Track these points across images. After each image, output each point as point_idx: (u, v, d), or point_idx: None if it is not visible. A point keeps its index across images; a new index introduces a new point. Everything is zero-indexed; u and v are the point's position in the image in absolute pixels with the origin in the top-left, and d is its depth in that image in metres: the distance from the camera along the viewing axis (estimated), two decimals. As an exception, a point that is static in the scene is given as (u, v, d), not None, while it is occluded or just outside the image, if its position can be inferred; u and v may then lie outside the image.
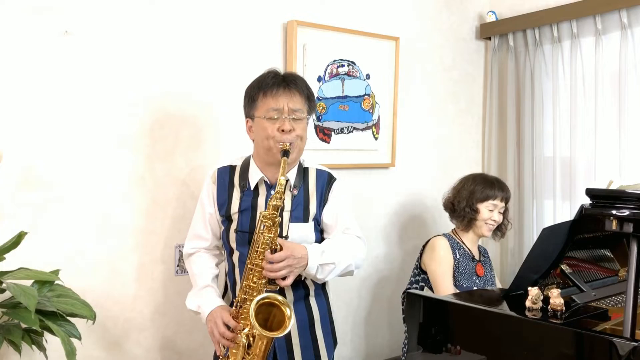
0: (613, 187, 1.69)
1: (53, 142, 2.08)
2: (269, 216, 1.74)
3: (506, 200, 2.56)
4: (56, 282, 1.89)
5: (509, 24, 3.15)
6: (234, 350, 1.78)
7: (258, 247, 1.76)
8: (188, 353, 2.39)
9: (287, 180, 1.89)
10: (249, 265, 1.78)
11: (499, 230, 2.59)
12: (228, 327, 1.78)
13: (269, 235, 1.75)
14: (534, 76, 3.07)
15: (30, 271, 1.83)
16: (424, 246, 2.57)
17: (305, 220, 1.90)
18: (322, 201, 1.95)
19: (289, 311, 1.71)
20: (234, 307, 1.81)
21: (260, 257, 1.75)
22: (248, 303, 1.74)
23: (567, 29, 2.92)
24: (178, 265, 2.34)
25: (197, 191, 2.28)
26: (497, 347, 1.65)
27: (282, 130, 1.82)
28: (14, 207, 2.01)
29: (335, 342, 2.03)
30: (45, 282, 1.85)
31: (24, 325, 1.79)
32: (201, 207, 2.00)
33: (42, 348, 1.84)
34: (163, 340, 2.34)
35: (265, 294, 1.72)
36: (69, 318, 1.82)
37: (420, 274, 2.54)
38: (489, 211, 2.50)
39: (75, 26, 2.10)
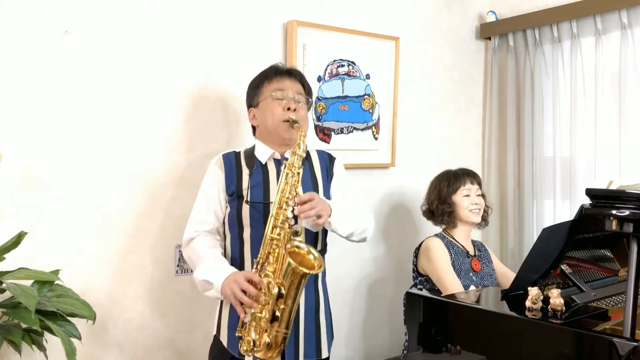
0: (613, 187, 1.69)
1: (53, 142, 2.08)
2: (292, 164, 1.80)
3: (478, 183, 2.56)
4: (56, 282, 1.89)
5: (509, 24, 3.15)
6: (258, 314, 1.70)
7: (285, 196, 1.77)
8: (188, 353, 2.39)
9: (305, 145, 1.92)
10: (274, 216, 1.77)
11: (482, 220, 2.57)
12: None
13: (293, 183, 1.79)
14: (534, 76, 3.07)
15: (30, 271, 1.83)
16: (417, 249, 2.54)
17: (315, 190, 1.95)
18: (328, 175, 2.03)
19: (313, 255, 1.72)
20: (253, 268, 1.77)
21: (284, 208, 1.75)
22: (271, 258, 1.73)
23: (567, 29, 2.92)
24: (178, 265, 2.34)
25: (198, 191, 2.29)
26: (497, 347, 1.65)
27: (289, 109, 1.91)
28: (14, 207, 2.01)
29: (332, 337, 2.04)
30: (45, 282, 1.85)
31: (24, 325, 1.79)
32: (203, 192, 2.00)
33: (42, 348, 1.84)
34: (163, 340, 2.34)
35: (296, 242, 1.73)
36: (69, 318, 1.82)
37: (418, 277, 2.53)
38: (465, 197, 2.50)
39: (75, 26, 2.10)
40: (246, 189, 1.92)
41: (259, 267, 1.76)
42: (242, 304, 1.71)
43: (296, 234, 1.78)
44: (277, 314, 1.68)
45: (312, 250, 1.74)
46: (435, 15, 3.15)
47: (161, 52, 2.28)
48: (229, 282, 1.74)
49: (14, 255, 1.84)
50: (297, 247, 1.73)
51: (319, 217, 1.76)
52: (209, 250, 1.90)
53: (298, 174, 1.80)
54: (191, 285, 2.26)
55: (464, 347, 1.70)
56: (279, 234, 1.75)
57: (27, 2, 2.01)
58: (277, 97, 1.92)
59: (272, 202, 1.82)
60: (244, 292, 1.70)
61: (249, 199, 1.89)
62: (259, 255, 1.77)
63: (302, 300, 1.88)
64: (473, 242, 2.62)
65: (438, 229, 2.64)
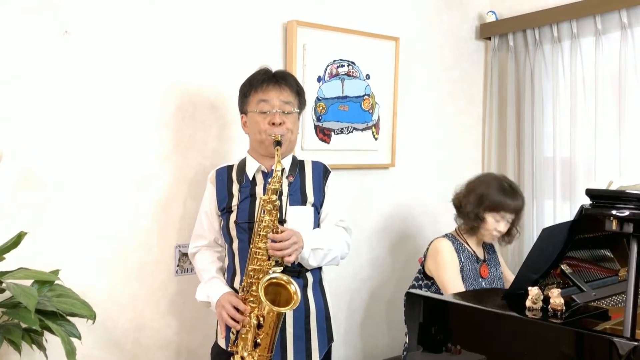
0: (613, 187, 1.69)
1: (53, 142, 2.08)
2: (268, 200, 1.83)
3: (517, 211, 2.40)
4: (56, 282, 1.89)
5: (509, 24, 3.15)
6: (243, 335, 1.82)
7: (260, 231, 1.83)
8: (188, 353, 2.39)
9: (283, 168, 1.98)
10: (253, 249, 1.85)
11: (507, 236, 2.46)
12: (237, 310, 1.84)
13: (270, 218, 1.83)
14: (534, 76, 3.07)
15: (30, 271, 1.83)
16: (427, 249, 2.48)
17: (303, 203, 1.99)
18: (320, 192, 2.04)
19: (294, 287, 1.79)
20: (240, 293, 1.88)
21: (264, 241, 1.82)
22: (254, 286, 1.82)
23: (567, 29, 2.92)
24: (178, 265, 2.34)
25: (197, 191, 2.29)
26: (497, 347, 1.65)
27: (273, 124, 1.93)
28: (14, 207, 2.01)
29: (330, 339, 2.05)
30: (45, 282, 1.85)
31: (24, 325, 1.79)
32: (202, 208, 2.11)
33: (42, 348, 1.84)
34: (163, 340, 2.34)
35: (272, 274, 1.80)
36: (69, 318, 1.82)
37: (424, 280, 2.46)
38: (495, 221, 2.37)
39: (75, 26, 2.10)
40: (235, 205, 1.98)
41: (244, 292, 1.86)
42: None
43: (277, 263, 1.84)
44: (258, 340, 1.80)
45: (292, 281, 1.81)
46: (435, 16, 3.15)
47: (161, 52, 2.28)
48: (219, 304, 1.89)
49: (14, 255, 1.84)
50: (276, 279, 1.80)
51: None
52: (206, 268, 2.05)
53: (274, 206, 1.83)
54: (191, 285, 2.26)
55: (464, 347, 1.70)
56: (259, 265, 1.83)
57: (27, 2, 2.00)
58: (261, 110, 1.94)
59: (256, 222, 1.87)
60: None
61: (236, 219, 1.97)
62: (243, 282, 1.87)
63: (298, 292, 1.90)
64: (484, 244, 2.53)
65: (439, 228, 2.61)
